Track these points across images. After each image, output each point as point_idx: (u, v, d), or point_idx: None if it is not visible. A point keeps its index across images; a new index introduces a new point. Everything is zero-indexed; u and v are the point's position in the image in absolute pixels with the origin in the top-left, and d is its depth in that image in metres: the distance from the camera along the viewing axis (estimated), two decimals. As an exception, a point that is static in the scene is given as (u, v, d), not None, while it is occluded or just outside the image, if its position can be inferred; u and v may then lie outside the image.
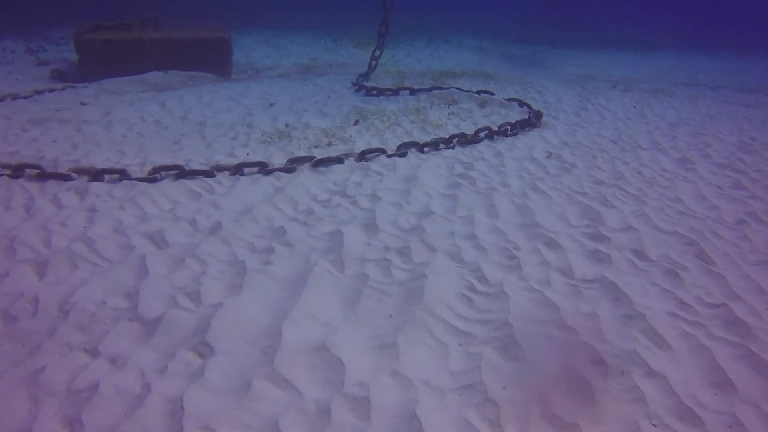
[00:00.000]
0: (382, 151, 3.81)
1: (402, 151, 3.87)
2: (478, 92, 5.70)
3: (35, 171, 3.31)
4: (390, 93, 5.76)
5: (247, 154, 3.84)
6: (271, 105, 5.30)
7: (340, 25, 14.18)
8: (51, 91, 5.94)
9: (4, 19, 11.23)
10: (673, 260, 2.61)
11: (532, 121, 4.83)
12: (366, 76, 6.53)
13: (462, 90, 5.80)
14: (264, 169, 3.45)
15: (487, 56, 10.65)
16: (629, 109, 6.03)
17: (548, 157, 4.03)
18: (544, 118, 5.13)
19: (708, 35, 15.50)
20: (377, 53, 6.66)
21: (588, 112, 5.76)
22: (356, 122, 4.60)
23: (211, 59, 7.29)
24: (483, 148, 4.20)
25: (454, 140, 4.18)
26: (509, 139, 4.47)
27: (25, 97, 5.62)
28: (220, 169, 3.42)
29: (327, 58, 9.08)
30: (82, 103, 5.31)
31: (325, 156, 3.64)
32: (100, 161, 3.59)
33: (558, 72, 9.66)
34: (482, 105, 5.40)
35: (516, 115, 5.19)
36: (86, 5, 14.27)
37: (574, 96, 6.53)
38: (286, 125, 4.56)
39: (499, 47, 12.51)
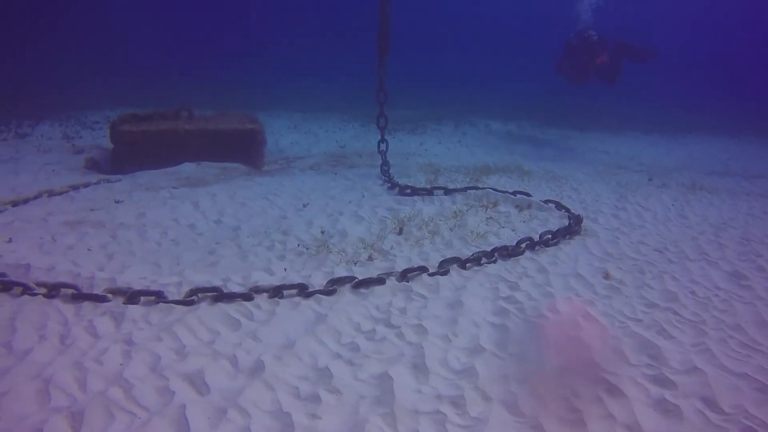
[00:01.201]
0: (423, 269, 3.69)
1: (444, 269, 3.75)
2: (514, 193, 5.61)
3: (71, 291, 3.23)
4: (424, 192, 5.70)
5: (285, 269, 3.74)
6: (304, 206, 5.25)
7: (364, 105, 14.42)
8: (86, 186, 5.96)
9: (43, 102, 11.58)
10: (750, 414, 2.42)
11: (572, 228, 4.71)
12: (386, 167, 6.55)
13: (498, 191, 5.71)
14: (304, 291, 3.34)
15: (515, 142, 10.66)
16: (668, 209, 5.90)
17: (605, 278, 3.87)
18: (584, 222, 5.01)
19: (735, 118, 15.52)
20: (383, 146, 6.70)
21: (627, 212, 5.64)
22: (400, 231, 4.51)
23: (243, 150, 7.34)
24: (526, 262, 4.07)
25: (496, 254, 4.06)
26: (551, 250, 4.34)
27: (61, 194, 5.64)
28: (258, 291, 3.32)
29: (356, 147, 9.12)
30: (117, 201, 5.30)
31: (366, 277, 3.53)
32: (135, 278, 3.50)
33: (588, 159, 9.61)
34: (520, 208, 5.30)
35: (555, 220, 5.08)
36: (119, 89, 14.72)
37: (610, 193, 6.42)
38: (322, 232, 4.48)
39: (525, 131, 12.56)
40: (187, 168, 6.77)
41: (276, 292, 3.32)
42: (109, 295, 3.23)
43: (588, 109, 15.50)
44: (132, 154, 7.01)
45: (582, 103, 15.50)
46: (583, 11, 13.79)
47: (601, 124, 14.15)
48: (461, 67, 25.05)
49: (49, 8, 25.55)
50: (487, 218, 4.97)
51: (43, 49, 19.71)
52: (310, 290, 3.36)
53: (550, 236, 4.44)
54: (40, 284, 3.28)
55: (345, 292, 3.42)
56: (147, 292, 3.22)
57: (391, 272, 3.65)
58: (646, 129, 13.91)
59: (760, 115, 15.31)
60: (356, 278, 3.50)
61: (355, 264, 3.85)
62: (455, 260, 3.87)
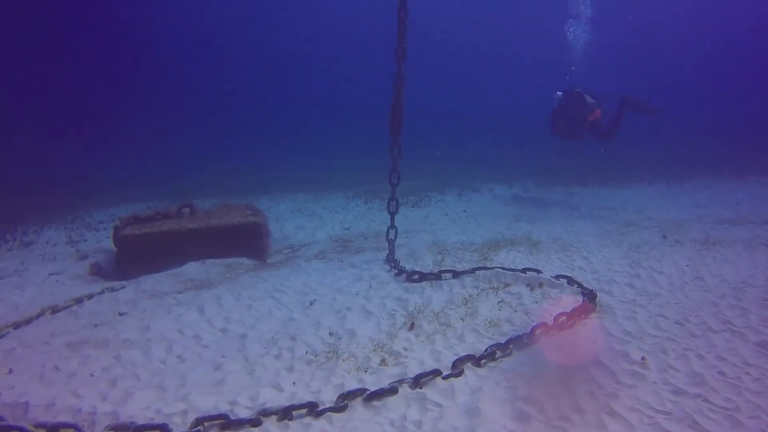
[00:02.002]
0: (437, 372, 3.54)
1: (458, 369, 3.59)
2: (524, 270, 5.49)
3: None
4: (432, 278, 5.58)
5: (294, 383, 3.60)
6: (311, 303, 5.14)
7: (366, 179, 14.49)
8: (90, 297, 5.89)
9: (48, 205, 11.69)
10: None
11: (587, 307, 4.56)
12: (392, 255, 6.46)
13: (507, 269, 5.59)
14: (314, 410, 3.19)
15: (520, 206, 10.60)
16: (684, 271, 5.74)
17: (642, 364, 3.69)
18: (598, 296, 4.86)
19: (739, 159, 15.46)
20: (392, 234, 6.63)
21: (641, 280, 5.48)
22: (412, 326, 4.38)
23: (247, 244, 7.29)
24: (543, 351, 3.91)
25: (511, 345, 3.91)
26: (570, 334, 4.18)
27: (65, 308, 5.56)
28: (266, 413, 3.17)
29: (360, 228, 9.07)
30: (121, 314, 5.21)
31: (378, 388, 3.38)
32: (139, 408, 3.37)
33: (595, 218, 9.52)
34: (531, 287, 5.16)
35: (568, 297, 4.94)
36: (123, 181, 14.90)
37: (622, 258, 6.28)
38: (330, 334, 4.35)
39: (529, 192, 12.52)
40: (192, 268, 6.70)
41: (285, 414, 3.17)
42: (111, 433, 3.09)
43: (591, 163, 15.50)
44: (136, 257, 6.97)
45: (584, 156, 15.50)
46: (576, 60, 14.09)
47: (605, 178, 14.12)
48: (461, 130, 25.31)
49: (50, 104, 26.29)
50: (498, 302, 4.83)
51: (47, 149, 20.13)
52: (321, 408, 3.21)
53: (565, 318, 4.29)
54: (38, 425, 3.15)
55: (357, 407, 3.26)
56: (150, 427, 3.09)
57: (404, 379, 3.50)
58: (651, 178, 13.86)
59: (764, 155, 15.23)
60: (368, 390, 3.35)
61: (366, 371, 3.71)
62: (469, 358, 3.72)
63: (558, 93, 11.71)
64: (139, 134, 24.27)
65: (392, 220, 6.66)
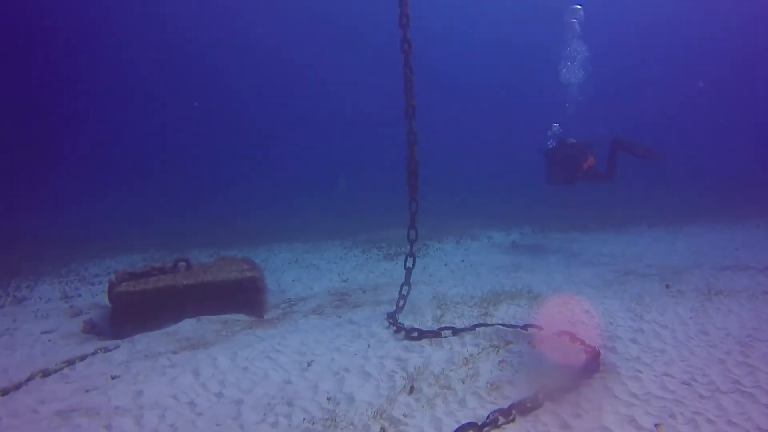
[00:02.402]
0: (439, 443, 3.42)
1: (461, 440, 3.48)
2: (525, 327, 5.39)
3: None
4: (432, 335, 5.47)
5: (290, 457, 3.47)
6: (309, 364, 5.02)
7: (364, 228, 14.47)
8: (82, 359, 5.76)
9: (43, 256, 11.60)
10: None
11: (591, 367, 4.45)
12: (397, 312, 6.32)
13: (508, 326, 5.49)
14: (311, 488, 3.07)
15: (519, 254, 10.53)
16: (687, 324, 5.64)
17: (658, 429, 3.58)
18: (602, 354, 4.76)
19: (735, 201, 15.49)
20: (404, 291, 6.52)
21: (645, 335, 5.38)
22: (411, 390, 4.26)
23: (243, 300, 7.19)
24: (546, 416, 3.80)
25: (513, 411, 3.79)
26: (574, 397, 4.07)
27: (56, 371, 5.43)
28: (261, 492, 3.04)
29: (358, 280, 8.98)
30: (113, 377, 5.08)
31: (378, 464, 3.26)
32: (129, 486, 3.24)
33: (595, 265, 9.46)
34: (533, 345, 5.06)
35: (571, 356, 4.83)
36: (120, 235, 14.84)
37: (624, 311, 6.18)
38: (328, 399, 4.23)
39: (528, 239, 12.47)
40: (187, 326, 6.59)
41: (280, 492, 3.04)
42: None
43: (589, 208, 15.50)
44: (130, 315, 6.85)
45: (582, 201, 15.52)
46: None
47: (604, 223, 14.10)
48: (458, 173, 25.42)
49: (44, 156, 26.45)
50: (500, 362, 4.72)
51: (41, 198, 20.15)
52: (318, 486, 3.09)
53: (569, 381, 4.18)
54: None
55: (356, 483, 3.14)
56: None
57: (405, 452, 3.38)
58: (649, 222, 13.83)
59: (762, 196, 15.26)
60: (367, 465, 3.23)
61: (365, 444, 3.59)
62: (471, 426, 3.60)
63: (555, 125, 11.90)
64: (135, 182, 24.36)
65: (407, 276, 6.52)
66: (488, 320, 5.96)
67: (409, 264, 6.39)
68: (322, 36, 34.95)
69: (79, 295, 8.79)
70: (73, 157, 28.44)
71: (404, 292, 6.53)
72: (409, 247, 6.38)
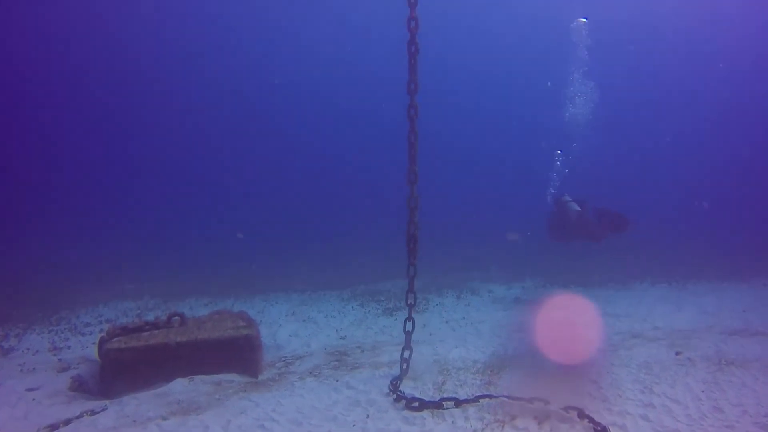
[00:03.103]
0: None
1: None
2: (530, 400, 5.16)
3: None
4: (433, 406, 5.23)
5: None
6: (305, 437, 4.77)
7: (363, 276, 14.25)
8: (67, 423, 5.50)
9: (33, 300, 11.36)
10: None
11: (602, 449, 4.22)
12: (399, 379, 6.07)
13: (513, 398, 5.26)
14: None
15: (521, 312, 10.30)
16: (701, 399, 5.42)
17: None
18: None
19: (740, 258, 15.32)
20: (406, 354, 6.28)
21: (655, 410, 5.15)
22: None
23: (238, 359, 6.95)
24: None
25: (523, 502, 3.55)
26: (584, 486, 3.83)
27: (38, 437, 5.18)
28: None
29: (357, 337, 8.73)
30: (98, 446, 4.82)
31: None
32: None
33: (600, 328, 9.23)
34: (539, 421, 4.83)
35: (581, 434, 4.60)
36: (113, 278, 14.62)
37: (633, 382, 5.95)
38: (324, 481, 3.98)
39: (529, 294, 12.27)
40: (179, 386, 6.33)
41: None
42: None
43: (591, 259, 15.30)
44: (120, 373, 6.60)
45: (583, 255, 15.34)
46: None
47: (606, 278, 13.89)
48: (456, 224, 25.29)
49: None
50: (506, 441, 4.48)
51: (34, 237, 19.96)
52: None
53: (580, 465, 3.95)
54: None
55: None
56: None
57: None
58: (653, 278, 13.62)
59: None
60: None
61: None
62: None
63: (558, 152, 12.26)
64: (129, 221, 24.23)
65: (407, 340, 6.28)
66: (492, 389, 5.74)
67: (409, 327, 6.18)
68: (327, 81, 35.36)
69: (69, 347, 8.52)
70: (64, 194, 28.34)
71: (406, 356, 6.30)
72: (408, 311, 6.17)
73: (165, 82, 32.98)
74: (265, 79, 35.14)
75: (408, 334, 6.17)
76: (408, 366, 6.27)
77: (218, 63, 33.57)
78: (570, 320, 9.59)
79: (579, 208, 11.23)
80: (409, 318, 6.14)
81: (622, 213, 11.25)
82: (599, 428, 4.57)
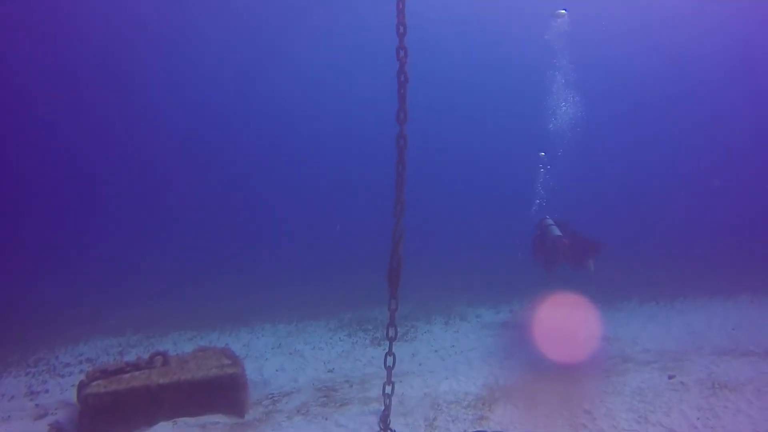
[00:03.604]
0: None
1: None
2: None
3: None
4: (426, 446, 5.08)
5: None
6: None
7: (350, 302, 14.05)
8: (43, 477, 5.27)
9: (9, 345, 11.03)
10: None
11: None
12: (386, 416, 5.89)
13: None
14: None
15: (511, 338, 10.19)
16: (697, 428, 5.32)
17: None
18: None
19: (726, 273, 15.30)
20: (388, 389, 6.08)
21: (654, 442, 5.04)
22: None
23: (223, 399, 6.76)
24: None
25: None
26: None
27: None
28: None
29: (345, 370, 8.53)
30: (76, 502, 4.60)
31: None
32: None
33: (589, 350, 9.14)
34: (535, 459, 4.69)
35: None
36: (94, 313, 14.28)
37: (627, 410, 5.85)
38: None
39: (518, 317, 12.17)
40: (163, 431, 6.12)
41: None
42: None
43: (577, 281, 15.22)
44: (101, 419, 6.38)
45: (569, 274, 15.26)
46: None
47: (593, 298, 13.78)
48: (442, 243, 25.19)
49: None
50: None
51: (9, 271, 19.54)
52: None
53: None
54: None
55: None
56: None
57: None
58: (640, 297, 13.54)
59: (754, 270, 15.10)
60: None
61: None
62: None
63: (541, 153, 12.33)
64: (110, 251, 23.86)
65: (388, 376, 6.09)
66: (485, 424, 5.60)
67: (390, 362, 6.00)
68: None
69: (47, 391, 8.25)
70: (40, 224, 27.89)
71: (388, 391, 6.11)
72: (389, 346, 6.00)
73: (145, 115, 32.85)
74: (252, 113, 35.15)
75: (389, 369, 6.01)
76: (390, 402, 6.09)
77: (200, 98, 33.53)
78: (559, 346, 9.48)
79: (560, 233, 11.23)
80: (390, 353, 5.97)
81: (594, 238, 11.33)
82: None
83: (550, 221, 11.60)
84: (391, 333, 5.85)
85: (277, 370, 8.79)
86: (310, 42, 32.48)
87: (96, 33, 28.60)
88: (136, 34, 29.21)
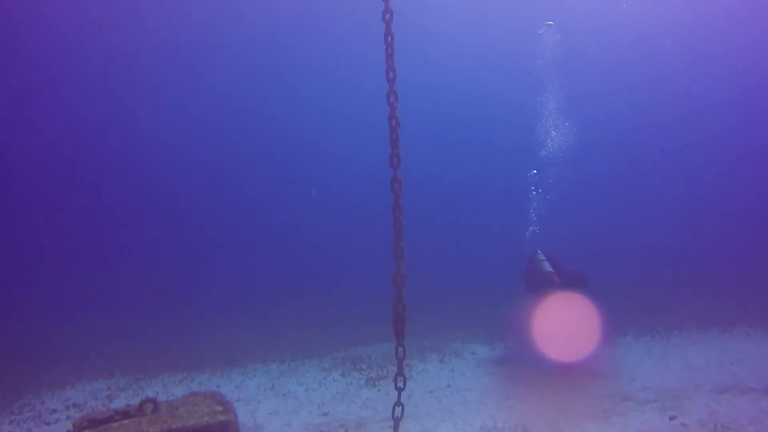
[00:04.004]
0: None
1: None
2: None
3: None
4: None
5: None
6: None
7: (343, 339, 13.87)
8: None
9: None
10: None
11: None
12: None
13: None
14: None
15: (508, 376, 10.04)
16: (702, 476, 5.19)
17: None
18: None
19: (720, 305, 15.24)
20: None
21: (659, 490, 4.90)
22: None
23: (215, 448, 6.54)
24: None
25: None
26: None
27: None
28: None
29: (339, 413, 8.32)
30: None
31: None
32: None
33: (588, 387, 9.03)
34: None
35: None
36: (79, 354, 14.00)
37: (631, 456, 5.71)
38: None
39: (513, 353, 12.03)
40: (151, 485, 5.91)
41: None
42: None
43: (572, 315, 15.12)
44: (88, 471, 6.16)
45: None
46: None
47: (588, 331, 13.65)
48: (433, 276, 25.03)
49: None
50: None
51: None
52: None
53: None
54: None
55: None
56: None
57: None
58: (635, 331, 13.43)
59: (748, 300, 15.06)
60: None
61: None
62: None
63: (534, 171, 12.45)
64: (96, 294, 23.56)
65: (396, 427, 5.93)
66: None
67: (398, 413, 5.85)
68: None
69: (33, 439, 8.01)
70: (25, 263, 27.58)
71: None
72: (397, 395, 5.85)
73: (130, 152, 32.87)
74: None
75: (396, 421, 5.85)
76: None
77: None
78: (557, 384, 9.36)
79: (551, 269, 11.26)
80: (398, 403, 5.81)
81: (582, 272, 11.41)
82: None
83: (542, 256, 11.68)
84: (400, 383, 5.70)
85: (270, 414, 8.58)
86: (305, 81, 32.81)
87: (95, 32, 28.43)
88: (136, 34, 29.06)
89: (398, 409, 5.70)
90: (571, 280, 11.15)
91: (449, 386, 9.46)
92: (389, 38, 5.57)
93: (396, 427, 5.72)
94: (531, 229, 15.93)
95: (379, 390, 9.45)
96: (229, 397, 7.70)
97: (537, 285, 11.47)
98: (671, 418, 6.89)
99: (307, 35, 31.06)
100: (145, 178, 33.44)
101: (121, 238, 30.30)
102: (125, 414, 6.91)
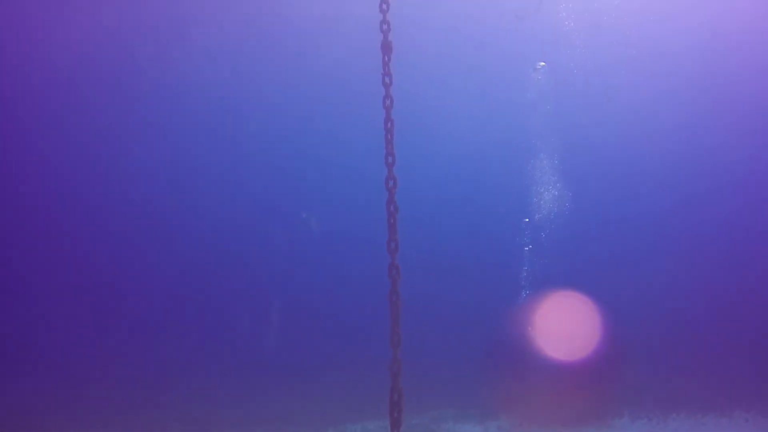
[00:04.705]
0: None
1: None
2: None
3: None
4: None
5: None
6: None
7: (331, 412, 13.44)
8: None
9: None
10: None
11: None
12: None
13: None
14: None
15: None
16: None
17: None
18: None
19: (715, 386, 14.95)
20: None
21: None
22: None
23: None
24: None
25: None
26: None
27: None
28: None
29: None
30: None
31: None
32: None
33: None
34: None
35: None
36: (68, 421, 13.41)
37: None
38: None
39: (506, 434, 11.72)
40: None
41: None
42: None
43: (566, 392, 14.81)
44: None
45: (557, 386, 14.84)
46: None
47: (582, 413, 13.33)
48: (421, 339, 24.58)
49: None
50: None
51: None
52: None
53: None
54: None
55: None
56: None
57: None
58: (631, 413, 13.10)
59: (745, 383, 14.80)
60: None
61: None
62: None
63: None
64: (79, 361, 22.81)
65: None
66: None
67: None
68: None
69: None
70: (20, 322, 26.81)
71: None
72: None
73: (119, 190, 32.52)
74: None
75: None
76: None
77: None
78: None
79: None
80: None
81: None
82: None
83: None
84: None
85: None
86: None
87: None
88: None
89: None
90: None
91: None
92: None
93: None
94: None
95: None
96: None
97: None
98: None
99: (307, 35, 31.23)
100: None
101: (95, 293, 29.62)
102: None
